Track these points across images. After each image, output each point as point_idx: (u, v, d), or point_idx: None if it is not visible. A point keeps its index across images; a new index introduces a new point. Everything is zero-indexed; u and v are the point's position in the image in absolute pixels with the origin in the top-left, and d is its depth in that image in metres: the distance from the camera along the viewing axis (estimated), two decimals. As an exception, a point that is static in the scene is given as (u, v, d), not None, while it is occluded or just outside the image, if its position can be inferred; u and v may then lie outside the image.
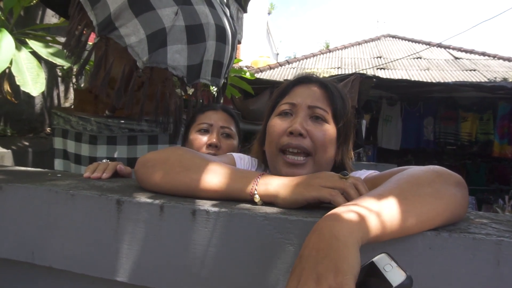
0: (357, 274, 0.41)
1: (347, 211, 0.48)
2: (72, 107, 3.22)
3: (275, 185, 0.65)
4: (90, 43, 1.76)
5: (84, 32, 1.53)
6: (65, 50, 1.85)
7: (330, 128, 0.87)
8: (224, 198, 0.68)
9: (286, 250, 0.57)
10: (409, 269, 0.52)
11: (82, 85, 3.84)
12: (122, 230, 0.66)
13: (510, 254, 0.49)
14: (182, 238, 0.63)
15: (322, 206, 0.64)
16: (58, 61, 1.88)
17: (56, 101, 3.76)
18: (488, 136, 5.93)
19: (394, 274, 0.39)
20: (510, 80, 5.96)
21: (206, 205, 0.64)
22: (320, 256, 0.43)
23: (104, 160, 0.99)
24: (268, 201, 0.65)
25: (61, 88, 3.83)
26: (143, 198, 0.67)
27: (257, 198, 0.65)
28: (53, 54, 1.87)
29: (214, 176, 0.68)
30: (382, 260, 0.42)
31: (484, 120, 6.00)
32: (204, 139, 1.30)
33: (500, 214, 0.70)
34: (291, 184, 0.64)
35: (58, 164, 2.37)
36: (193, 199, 0.68)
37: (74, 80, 3.95)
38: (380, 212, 0.49)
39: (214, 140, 1.28)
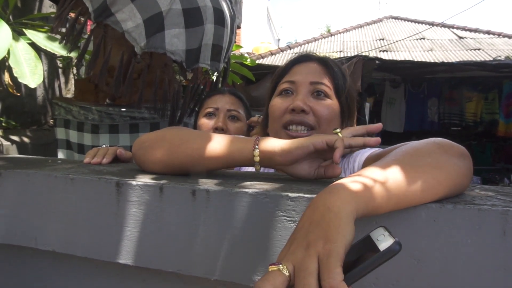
0: (348, 244, 0.40)
1: (342, 184, 0.47)
2: (73, 97, 3.22)
3: (276, 141, 0.65)
4: (88, 33, 1.74)
5: (81, 20, 1.50)
6: (57, 36, 1.83)
7: (334, 103, 0.87)
8: (226, 163, 0.68)
9: (287, 227, 0.56)
10: (414, 242, 0.52)
11: (82, 75, 3.83)
12: (123, 212, 0.66)
13: (516, 223, 0.48)
14: (183, 219, 0.62)
15: (324, 182, 0.63)
16: (56, 50, 1.86)
17: (57, 92, 3.76)
18: (494, 115, 5.87)
19: (385, 241, 0.39)
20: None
21: (206, 184, 0.63)
22: (312, 226, 0.43)
23: (103, 145, 0.98)
24: (269, 156, 0.64)
25: (62, 79, 3.82)
26: (142, 179, 0.66)
27: (256, 153, 0.63)
28: (52, 44, 1.85)
29: (214, 143, 0.67)
30: (377, 232, 0.41)
31: (489, 99, 5.93)
32: (210, 123, 1.29)
33: (507, 187, 0.68)
34: (292, 140, 0.64)
35: (61, 154, 2.38)
36: (193, 179, 0.67)
37: (74, 70, 3.94)
38: (377, 184, 0.48)
39: (220, 123, 1.26)
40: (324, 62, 0.90)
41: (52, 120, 3.64)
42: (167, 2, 1.42)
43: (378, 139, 0.63)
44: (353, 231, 0.42)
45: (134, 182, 0.65)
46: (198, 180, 0.67)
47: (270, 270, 0.40)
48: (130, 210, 0.65)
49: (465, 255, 0.50)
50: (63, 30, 1.52)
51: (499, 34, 8.11)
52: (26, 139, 3.24)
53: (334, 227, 0.41)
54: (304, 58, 0.92)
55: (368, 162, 0.75)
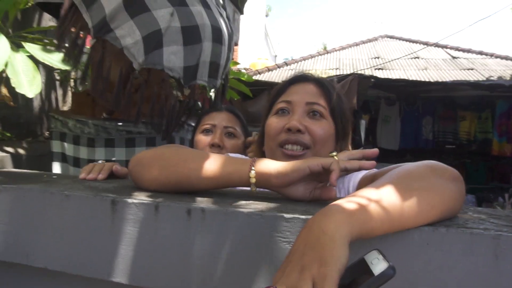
0: (342, 267, 0.41)
1: (336, 207, 0.48)
2: (69, 110, 3.22)
3: (272, 163, 0.66)
4: (88, 47, 1.75)
5: (81, 35, 1.52)
6: (62, 54, 1.85)
7: (328, 124, 0.88)
8: (223, 184, 0.69)
9: (282, 248, 0.57)
10: (407, 265, 0.52)
11: (80, 89, 3.84)
12: (117, 230, 0.66)
13: (508, 248, 0.49)
14: (178, 237, 0.62)
15: (319, 202, 0.63)
16: (55, 64, 1.87)
17: (54, 105, 3.75)
18: (487, 134, 5.93)
19: (379, 265, 0.40)
20: (506, 78, 5.97)
21: (201, 203, 0.63)
22: (306, 249, 0.43)
23: (100, 161, 0.99)
24: (265, 178, 0.64)
25: (59, 91, 3.82)
26: (138, 198, 0.66)
27: (252, 175, 0.64)
28: (50, 57, 1.86)
29: (211, 163, 0.68)
30: (371, 256, 0.42)
31: (483, 118, 6.01)
32: (207, 139, 1.30)
33: (499, 210, 0.69)
34: (288, 163, 0.65)
35: (57, 167, 2.37)
36: (188, 197, 0.68)
37: (72, 83, 3.95)
38: (371, 207, 0.48)
39: (217, 140, 1.27)
40: (320, 83, 0.91)
41: (47, 132, 3.63)
42: (166, 20, 1.44)
43: (374, 162, 0.64)
44: (347, 254, 0.42)
45: (129, 200, 0.65)
46: (194, 198, 0.68)
47: None
48: (125, 228, 0.65)
49: (457, 279, 0.50)
50: (65, 45, 1.54)
51: (491, 55, 8.27)
52: (21, 151, 3.22)
53: (328, 250, 0.42)
54: (301, 79, 0.94)
55: (363, 183, 0.75)
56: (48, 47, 2.09)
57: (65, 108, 3.81)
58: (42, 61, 1.86)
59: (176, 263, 0.63)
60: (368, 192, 0.51)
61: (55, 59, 1.92)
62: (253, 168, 0.65)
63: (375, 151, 0.68)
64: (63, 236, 0.70)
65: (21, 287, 0.78)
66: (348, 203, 0.49)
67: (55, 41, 2.29)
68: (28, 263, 0.72)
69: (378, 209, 0.48)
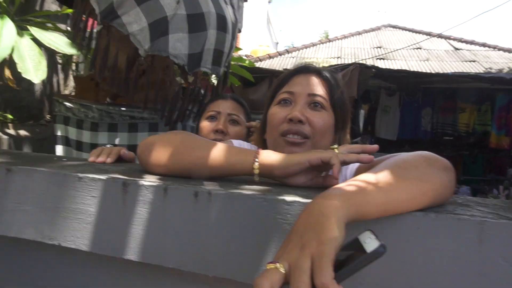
0: (338, 246, 0.44)
1: (335, 191, 0.52)
2: (73, 94, 3.24)
3: (275, 155, 0.71)
4: (88, 30, 1.77)
5: (89, 21, 1.54)
6: (66, 38, 1.87)
7: (329, 115, 0.92)
8: (227, 173, 0.73)
9: (283, 229, 0.61)
10: (399, 247, 0.56)
11: (82, 72, 3.84)
12: (128, 211, 0.70)
13: (491, 233, 0.53)
14: (185, 218, 0.66)
15: (318, 188, 0.67)
16: (61, 49, 1.89)
17: (56, 88, 3.77)
18: (486, 127, 5.96)
19: (371, 244, 0.44)
20: (505, 71, 5.98)
21: (208, 187, 0.67)
22: (307, 229, 0.47)
23: (108, 145, 1.02)
24: (268, 169, 0.70)
25: (61, 75, 3.83)
26: (147, 180, 0.70)
27: (256, 166, 0.69)
28: (55, 42, 1.88)
29: (218, 152, 0.72)
30: (364, 235, 0.46)
31: (482, 111, 6.03)
32: (211, 125, 1.34)
33: (488, 199, 0.73)
34: (290, 156, 0.70)
35: (60, 150, 2.41)
36: (196, 181, 0.72)
37: (74, 67, 3.95)
38: (367, 191, 0.53)
39: (221, 126, 1.32)
40: (322, 75, 0.95)
41: (49, 116, 3.65)
42: (173, 7, 1.46)
43: (372, 157, 0.68)
44: (343, 234, 0.46)
45: (140, 182, 0.69)
46: (201, 182, 0.72)
47: (267, 268, 0.45)
48: (135, 209, 0.69)
49: (444, 261, 0.55)
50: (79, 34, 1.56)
51: (494, 47, 8.25)
52: (22, 134, 3.25)
53: (326, 230, 0.46)
54: (304, 70, 0.97)
55: (360, 170, 0.80)
56: (52, 31, 2.11)
57: (67, 92, 3.82)
58: (48, 45, 1.88)
59: (182, 242, 0.67)
60: (365, 179, 0.55)
61: (60, 43, 1.94)
62: (256, 160, 0.70)
63: (375, 147, 0.72)
64: (75, 216, 0.74)
65: (36, 263, 0.83)
66: (345, 188, 0.53)
67: (59, 26, 2.31)
68: (43, 240, 0.76)
69: (374, 195, 0.52)
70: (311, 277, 0.42)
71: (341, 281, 0.42)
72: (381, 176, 0.56)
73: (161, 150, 0.76)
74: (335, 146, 0.72)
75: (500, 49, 8.13)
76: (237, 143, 1.06)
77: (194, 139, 0.79)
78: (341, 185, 0.55)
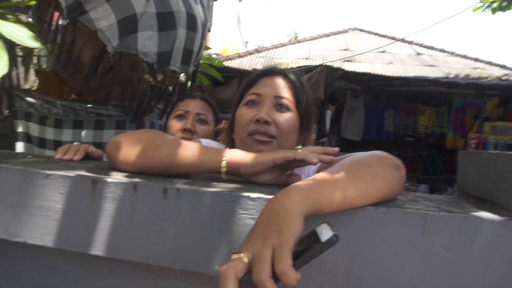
0: (297, 237, 0.49)
1: (295, 187, 0.57)
2: (34, 89, 3.12)
3: (242, 154, 0.75)
4: (54, 23, 1.72)
5: (55, 14, 1.51)
6: (29, 31, 1.80)
7: (294, 116, 0.96)
8: (196, 170, 0.76)
9: (248, 224, 0.65)
10: (354, 238, 0.62)
11: (44, 67, 3.70)
12: (97, 207, 0.71)
13: (433, 224, 0.59)
14: (154, 215, 0.69)
15: (282, 186, 0.72)
16: (23, 42, 1.82)
17: (15, 82, 3.60)
18: (443, 129, 6.30)
19: (326, 234, 0.48)
20: (461, 76, 6.34)
21: (176, 184, 0.70)
22: (269, 222, 0.51)
23: (75, 143, 1.02)
24: (235, 168, 0.74)
25: (21, 69, 3.67)
26: (117, 177, 0.72)
27: (223, 164, 0.73)
28: (18, 34, 1.81)
29: (186, 151, 0.75)
30: (321, 227, 0.51)
31: (440, 113, 6.37)
32: (180, 124, 1.36)
33: (434, 195, 0.81)
34: (255, 155, 0.74)
35: (20, 147, 2.32)
36: (165, 178, 0.74)
37: (35, 60, 3.80)
38: (323, 188, 0.58)
39: (189, 125, 1.34)
40: (288, 77, 0.99)
41: (8, 111, 3.49)
42: (142, 5, 1.46)
43: (332, 157, 0.73)
44: (302, 226, 0.51)
45: (109, 180, 0.71)
46: (170, 179, 0.74)
47: (232, 258, 0.49)
48: (104, 205, 0.71)
49: (393, 249, 0.61)
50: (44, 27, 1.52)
51: (452, 53, 8.70)
52: (-22, 129, 3.09)
53: (286, 223, 0.50)
54: (270, 72, 1.02)
55: (321, 169, 0.85)
56: (14, 23, 2.03)
57: (27, 86, 3.67)
58: (9, 38, 1.80)
59: (151, 237, 0.69)
60: (323, 176, 0.60)
61: (23, 36, 1.87)
62: (224, 158, 0.73)
63: (335, 149, 0.77)
64: (42, 213, 0.74)
65: (1, 261, 0.82)
66: (304, 184, 0.57)
67: (21, 17, 2.22)
68: (8, 238, 0.75)
69: (330, 190, 0.57)
70: (272, 266, 0.46)
71: (298, 268, 0.47)
72: (337, 174, 0.61)
73: (130, 148, 0.78)
74: (299, 147, 0.77)
75: (457, 55, 8.60)
76: (205, 142, 1.09)
77: (162, 137, 0.81)
78: (301, 182, 0.59)
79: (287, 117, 0.95)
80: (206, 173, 0.78)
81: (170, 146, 0.77)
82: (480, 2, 5.23)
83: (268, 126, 0.92)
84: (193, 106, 1.39)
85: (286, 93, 0.97)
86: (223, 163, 0.74)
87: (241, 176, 0.76)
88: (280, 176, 0.78)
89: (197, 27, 1.71)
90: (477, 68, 7.55)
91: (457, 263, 0.58)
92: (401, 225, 0.60)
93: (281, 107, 0.96)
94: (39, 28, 1.54)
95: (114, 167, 0.82)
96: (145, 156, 0.77)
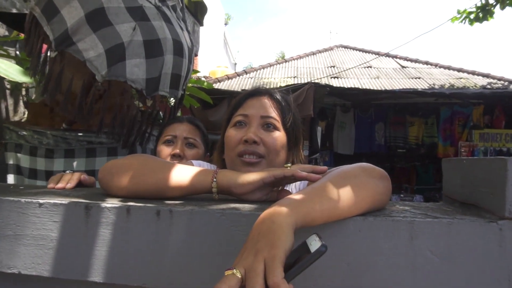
0: (288, 250, 0.50)
1: (284, 201, 0.59)
2: (24, 120, 3.12)
3: (232, 174, 0.76)
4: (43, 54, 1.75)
5: (44, 47, 1.54)
6: (17, 65, 1.83)
7: (281, 135, 0.99)
8: (188, 192, 0.77)
9: (241, 240, 0.65)
10: (344, 249, 0.63)
11: (33, 98, 3.71)
12: (91, 233, 0.72)
13: (420, 230, 0.61)
14: (148, 237, 0.70)
15: (272, 201, 0.73)
16: (11, 77, 1.85)
17: (4, 115, 3.60)
18: (433, 138, 6.40)
19: (315, 245, 0.50)
20: (446, 87, 6.50)
21: (169, 206, 0.71)
22: (260, 237, 0.53)
23: (67, 171, 1.03)
24: (226, 188, 0.75)
25: (10, 101, 3.68)
26: (110, 202, 0.73)
27: (214, 185, 0.75)
28: (8, 70, 1.84)
29: (178, 174, 0.76)
30: (311, 239, 0.52)
31: (429, 124, 6.48)
32: (169, 150, 1.38)
33: (422, 203, 0.83)
34: (245, 175, 0.76)
35: (11, 179, 2.30)
36: (157, 201, 0.75)
37: (23, 92, 3.81)
38: (312, 200, 0.59)
39: (177, 150, 1.35)
40: (274, 97, 1.02)
41: (-2, 144, 3.47)
42: (129, 34, 1.50)
43: (320, 176, 0.75)
44: (292, 239, 0.52)
45: (102, 205, 0.72)
46: (162, 201, 0.75)
47: (226, 274, 0.50)
48: (98, 231, 0.71)
49: (383, 258, 0.62)
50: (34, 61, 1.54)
51: (436, 65, 8.93)
52: (-32, 164, 3.06)
53: (277, 236, 0.51)
54: (256, 93, 1.05)
55: (310, 183, 0.87)
56: (2, 58, 2.06)
57: (16, 118, 3.67)
58: (1, 74, 1.83)
59: (146, 260, 0.70)
60: (311, 189, 0.62)
61: (11, 71, 1.90)
62: (215, 179, 0.75)
63: (324, 168, 0.79)
64: (36, 242, 0.74)
65: (-7, 293, 0.81)
66: (293, 198, 0.59)
67: (9, 51, 2.25)
68: (2, 270, 0.75)
69: (318, 203, 0.59)
70: (265, 279, 0.48)
71: (290, 280, 0.48)
72: (324, 186, 0.63)
73: (123, 173, 0.79)
74: (289, 165, 0.79)
75: (441, 66, 8.83)
76: (197, 163, 1.11)
77: (154, 161, 0.82)
78: (290, 196, 0.61)
79: (275, 136, 0.97)
80: (198, 194, 0.79)
81: (162, 169, 0.78)
82: (458, 14, 5.41)
83: (256, 146, 0.95)
84: (181, 130, 1.42)
85: (272, 113, 0.99)
86: (214, 183, 0.75)
87: (232, 195, 0.78)
88: (271, 193, 0.79)
89: (184, 53, 1.75)
90: (461, 78, 7.75)
91: (445, 267, 0.60)
92: (390, 233, 0.62)
93: (268, 126, 0.98)
94: (31, 62, 1.57)
95: (107, 193, 0.83)
96: (137, 180, 0.78)
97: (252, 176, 0.75)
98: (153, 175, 0.78)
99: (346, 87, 5.85)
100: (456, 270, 0.60)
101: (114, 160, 0.84)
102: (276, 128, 0.99)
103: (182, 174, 0.77)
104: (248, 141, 0.94)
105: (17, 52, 3.04)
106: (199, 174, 0.78)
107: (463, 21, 5.40)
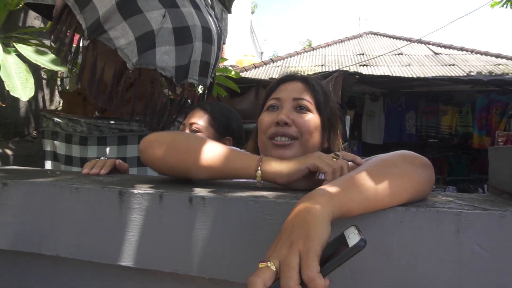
0: (324, 242, 0.48)
1: (320, 191, 0.56)
2: (60, 109, 3.23)
3: (277, 162, 0.74)
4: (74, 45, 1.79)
5: (76, 36, 1.57)
6: (52, 55, 1.88)
7: (314, 117, 0.96)
8: (229, 176, 0.76)
9: (274, 229, 0.64)
10: (383, 241, 0.60)
11: (67, 87, 3.83)
12: (125, 218, 0.72)
13: (468, 223, 0.57)
14: (181, 223, 0.69)
15: (308, 190, 0.71)
16: (48, 65, 1.90)
17: (41, 104, 3.74)
18: (468, 128, 6.14)
19: (354, 238, 0.47)
20: (485, 74, 6.18)
21: (201, 192, 0.70)
22: (294, 228, 0.50)
23: (102, 158, 1.04)
24: (270, 177, 0.73)
25: (46, 91, 3.81)
26: (143, 188, 0.73)
27: (259, 174, 0.73)
28: (42, 58, 1.89)
29: (221, 156, 0.76)
30: (349, 231, 0.49)
31: (463, 113, 6.21)
32: None
33: (465, 194, 0.78)
34: (291, 161, 0.74)
35: (48, 166, 2.40)
36: (188, 187, 0.75)
37: (59, 82, 3.94)
38: (349, 190, 0.56)
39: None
40: (306, 80, 1.00)
41: (35, 132, 3.62)
42: (159, 21, 1.50)
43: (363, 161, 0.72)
44: (329, 230, 0.50)
45: (135, 191, 0.72)
46: (193, 188, 0.74)
47: (260, 266, 0.48)
48: (131, 216, 0.72)
49: (426, 251, 0.59)
50: (64, 48, 1.58)
51: (472, 51, 8.50)
52: (8, 151, 3.21)
53: (313, 227, 0.49)
54: (289, 78, 1.02)
55: None
56: (38, 47, 2.11)
57: (53, 107, 3.80)
58: (34, 62, 1.88)
59: (178, 246, 0.69)
60: (348, 178, 0.59)
61: (46, 60, 1.95)
62: (259, 168, 0.73)
63: (362, 161, 0.76)
64: (73, 226, 0.76)
65: (32, 275, 0.84)
66: (330, 187, 0.56)
67: (44, 42, 2.31)
68: (40, 252, 0.77)
69: (356, 192, 0.56)
70: (300, 273, 0.45)
71: (326, 274, 0.45)
72: (362, 175, 0.60)
73: (164, 148, 0.78)
74: (338, 156, 0.75)
75: (477, 52, 8.40)
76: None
77: (197, 139, 0.81)
78: (325, 185, 0.58)
79: (307, 118, 0.94)
80: (239, 179, 0.78)
81: (204, 149, 0.77)
82: (498, -3, 5.09)
83: (288, 128, 0.92)
84: (189, 117, 1.42)
85: (305, 95, 0.96)
86: (259, 172, 0.73)
87: (277, 184, 0.76)
88: (315, 181, 0.76)
89: (213, 40, 1.74)
90: (500, 64, 7.35)
91: (496, 262, 0.56)
92: (434, 225, 0.58)
93: (301, 108, 0.96)
94: (57, 49, 1.60)
95: (147, 165, 0.82)
96: (178, 157, 0.77)
97: (297, 165, 0.72)
98: (195, 155, 0.76)
99: (376, 74, 5.68)
100: (508, 267, 0.56)
101: (156, 134, 0.83)
102: (309, 110, 0.96)
103: (225, 157, 0.76)
104: (279, 123, 0.92)
105: (52, 43, 3.14)
106: (244, 159, 0.76)
107: (505, 5, 5.08)
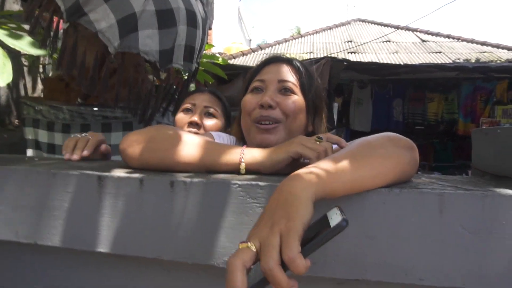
0: (306, 222, 0.47)
1: (304, 172, 0.55)
2: (42, 96, 3.15)
3: (259, 153, 0.72)
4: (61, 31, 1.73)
5: (55, 19, 1.51)
6: (31, 39, 1.81)
7: (299, 99, 0.95)
8: (212, 170, 0.74)
9: (257, 212, 0.63)
10: (367, 222, 0.60)
11: (50, 74, 3.73)
12: (104, 204, 0.70)
13: (450, 203, 0.57)
14: (162, 208, 0.67)
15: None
16: (26, 50, 1.83)
17: (23, 92, 3.64)
18: (453, 115, 6.21)
19: (336, 219, 0.46)
20: (471, 61, 6.23)
21: (183, 176, 0.68)
22: (276, 208, 0.49)
23: (83, 134, 1.00)
24: (254, 168, 0.71)
25: (28, 78, 3.71)
26: (122, 173, 0.71)
27: (242, 166, 0.71)
28: (20, 43, 1.82)
29: (202, 151, 0.73)
30: (332, 212, 0.48)
31: (449, 100, 6.27)
32: (186, 118, 1.34)
33: (449, 176, 0.78)
34: (274, 150, 0.72)
35: (30, 154, 2.34)
36: (171, 172, 0.73)
37: (41, 69, 3.83)
38: (333, 170, 0.55)
39: (195, 118, 1.31)
40: (291, 62, 0.98)
41: (17, 120, 3.53)
42: (141, 3, 1.45)
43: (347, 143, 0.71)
44: (311, 211, 0.49)
45: (115, 175, 0.70)
46: (175, 173, 0.73)
47: (240, 247, 0.47)
48: (111, 202, 0.70)
49: (409, 232, 0.58)
50: (35, 30, 1.52)
51: (458, 38, 8.56)
52: (-10, 140, 3.13)
53: (294, 208, 0.48)
54: (274, 60, 1.00)
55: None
56: (16, 31, 2.04)
57: (35, 95, 3.71)
58: (12, 46, 1.81)
59: (160, 231, 0.68)
60: (332, 159, 0.58)
61: (24, 44, 1.88)
62: (242, 160, 0.71)
63: (347, 144, 0.75)
64: (50, 213, 0.73)
65: (10, 263, 0.82)
66: (313, 168, 0.55)
67: (24, 26, 2.23)
68: (18, 240, 0.75)
69: (340, 173, 0.55)
70: (280, 253, 0.44)
71: (307, 255, 0.45)
72: (346, 156, 0.59)
73: (143, 146, 0.76)
74: (322, 139, 0.74)
75: (463, 40, 8.46)
76: (216, 134, 1.07)
77: (176, 135, 0.77)
78: (308, 166, 0.57)
79: (291, 100, 0.93)
80: (223, 173, 0.75)
81: (185, 145, 0.74)
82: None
83: (272, 111, 0.91)
84: (201, 99, 1.37)
85: (290, 77, 0.95)
86: (242, 165, 0.72)
87: (261, 173, 0.74)
88: (299, 165, 0.75)
89: (198, 23, 1.70)
90: (485, 52, 7.42)
91: (478, 243, 0.56)
92: (417, 206, 0.58)
93: (286, 90, 0.94)
94: (32, 31, 1.54)
95: (129, 165, 0.79)
96: (159, 155, 0.74)
97: (280, 154, 0.71)
98: (176, 151, 0.74)
99: (363, 61, 5.68)
100: (491, 247, 0.56)
101: (135, 132, 0.80)
102: (293, 93, 0.94)
103: (207, 151, 0.74)
104: (263, 105, 0.90)
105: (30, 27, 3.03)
106: (225, 153, 0.74)
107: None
